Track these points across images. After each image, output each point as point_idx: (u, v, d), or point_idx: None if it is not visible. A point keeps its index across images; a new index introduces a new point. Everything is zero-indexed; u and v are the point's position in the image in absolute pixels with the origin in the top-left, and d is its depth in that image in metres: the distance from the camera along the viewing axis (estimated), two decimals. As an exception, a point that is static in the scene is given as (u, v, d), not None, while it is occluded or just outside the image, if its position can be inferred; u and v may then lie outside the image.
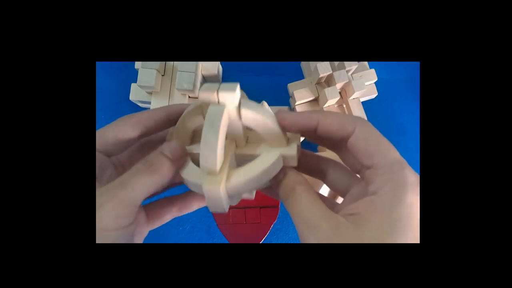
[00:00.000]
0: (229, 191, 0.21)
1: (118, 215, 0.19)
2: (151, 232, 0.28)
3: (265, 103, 0.44)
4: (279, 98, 0.50)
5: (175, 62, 0.43)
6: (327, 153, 0.44)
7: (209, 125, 0.20)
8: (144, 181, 0.19)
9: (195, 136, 0.25)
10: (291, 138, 0.24)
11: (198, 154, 0.20)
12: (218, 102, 0.21)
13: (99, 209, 0.18)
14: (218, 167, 0.21)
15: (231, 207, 0.43)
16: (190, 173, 0.22)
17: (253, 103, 0.22)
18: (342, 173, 0.24)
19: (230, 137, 0.24)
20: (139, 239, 0.23)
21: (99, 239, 0.18)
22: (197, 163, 0.21)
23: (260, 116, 0.22)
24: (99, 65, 0.48)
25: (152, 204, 0.25)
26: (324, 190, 0.40)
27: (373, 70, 0.46)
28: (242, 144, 0.24)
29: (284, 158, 0.22)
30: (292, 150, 0.22)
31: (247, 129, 0.24)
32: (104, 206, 0.18)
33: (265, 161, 0.21)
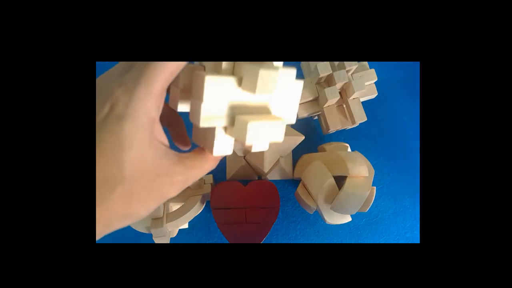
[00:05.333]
0: None
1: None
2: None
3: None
4: (279, 98, 0.50)
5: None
6: (327, 153, 0.44)
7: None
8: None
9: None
10: None
11: None
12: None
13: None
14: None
15: (231, 207, 0.43)
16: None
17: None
18: None
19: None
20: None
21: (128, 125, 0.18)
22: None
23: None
24: (99, 65, 0.48)
25: None
26: (323, 194, 0.40)
27: (373, 70, 0.46)
28: None
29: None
30: None
31: None
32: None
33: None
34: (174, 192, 0.21)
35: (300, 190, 0.43)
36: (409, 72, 0.55)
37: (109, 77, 0.20)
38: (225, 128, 0.21)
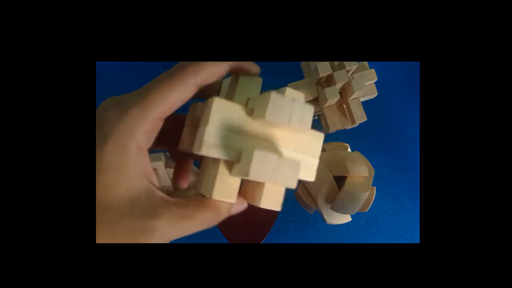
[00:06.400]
0: None
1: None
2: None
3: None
4: (279, 98, 0.50)
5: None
6: (327, 153, 0.44)
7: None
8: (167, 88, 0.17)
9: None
10: None
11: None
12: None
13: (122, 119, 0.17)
14: None
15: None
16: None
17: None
18: None
19: None
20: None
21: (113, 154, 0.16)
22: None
23: None
24: (99, 65, 0.48)
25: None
26: (323, 194, 0.40)
27: (373, 70, 0.46)
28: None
29: None
30: None
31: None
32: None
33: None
34: (149, 241, 0.17)
35: (300, 190, 0.43)
36: (409, 72, 0.55)
37: (118, 98, 0.19)
38: (230, 166, 0.18)
